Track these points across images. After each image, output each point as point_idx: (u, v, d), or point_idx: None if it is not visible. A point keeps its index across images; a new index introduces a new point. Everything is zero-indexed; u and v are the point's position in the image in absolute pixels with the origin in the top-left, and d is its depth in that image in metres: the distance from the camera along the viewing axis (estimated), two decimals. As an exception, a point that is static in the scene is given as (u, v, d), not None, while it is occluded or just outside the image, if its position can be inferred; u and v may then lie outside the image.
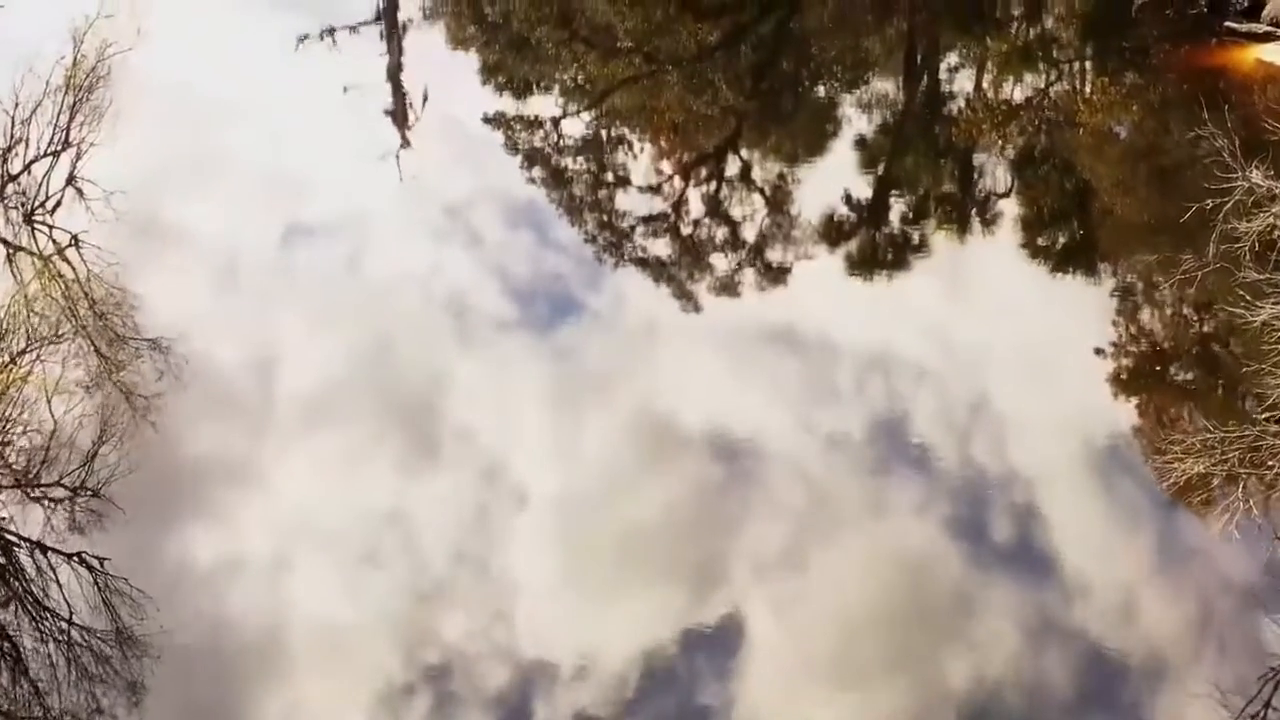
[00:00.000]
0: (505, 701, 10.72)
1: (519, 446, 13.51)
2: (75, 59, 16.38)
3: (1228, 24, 19.75)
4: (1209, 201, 12.62)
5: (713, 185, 19.79)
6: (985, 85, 21.86)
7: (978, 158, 19.78)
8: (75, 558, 11.51)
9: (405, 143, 21.23)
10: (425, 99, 22.52)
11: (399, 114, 22.52)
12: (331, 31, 24.70)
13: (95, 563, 11.46)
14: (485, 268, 17.05)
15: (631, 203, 18.84)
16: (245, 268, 16.36)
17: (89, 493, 11.99)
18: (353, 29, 25.26)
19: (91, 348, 14.12)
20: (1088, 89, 20.28)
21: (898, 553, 12.09)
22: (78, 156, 16.24)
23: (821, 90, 22.18)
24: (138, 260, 15.92)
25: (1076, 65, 22.05)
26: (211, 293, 15.75)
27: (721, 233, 18.47)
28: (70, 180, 16.15)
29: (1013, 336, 14.61)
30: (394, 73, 23.90)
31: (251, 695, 10.81)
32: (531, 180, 19.59)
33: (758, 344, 15.14)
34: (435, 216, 18.17)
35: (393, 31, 25.75)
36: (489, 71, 23.35)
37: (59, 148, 16.00)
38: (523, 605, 11.56)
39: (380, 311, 15.62)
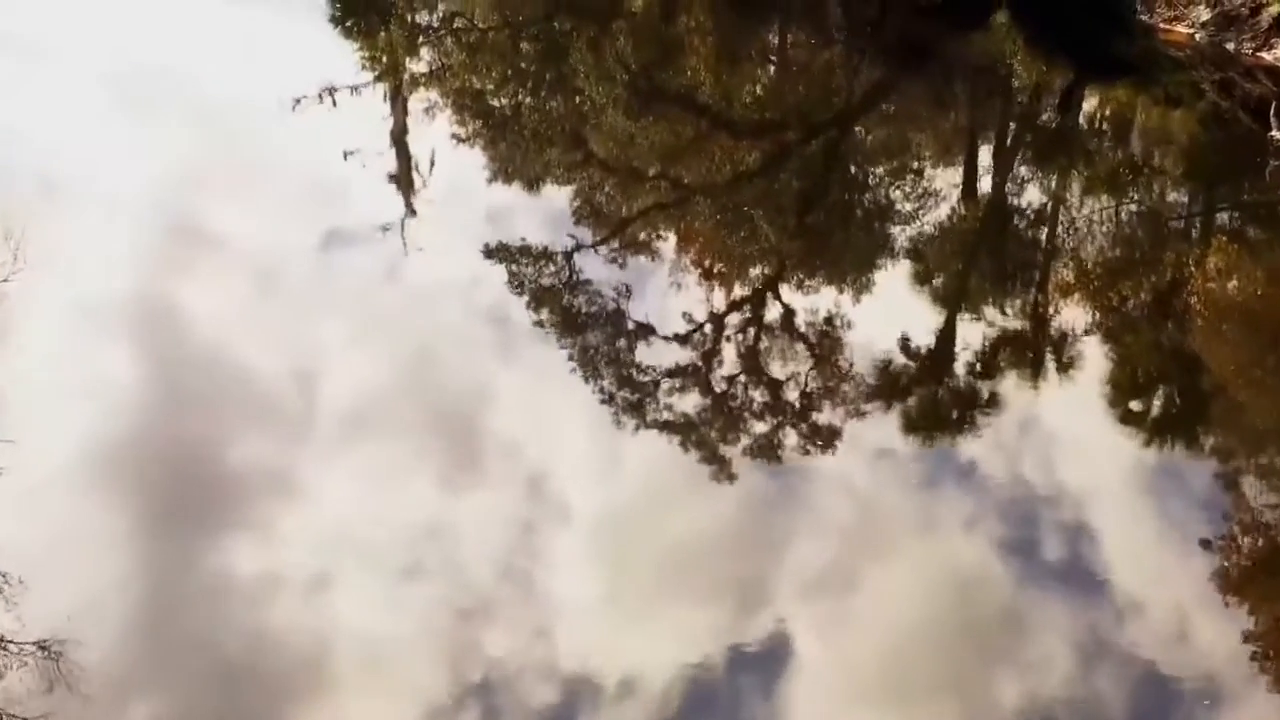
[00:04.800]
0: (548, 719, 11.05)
1: (562, 460, 14.06)
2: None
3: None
4: None
5: (750, 334, 17.54)
6: (1067, 224, 19.64)
7: (1058, 309, 17.50)
8: None
9: (410, 211, 20.04)
10: (433, 163, 21.40)
11: (404, 180, 21.26)
12: (331, 91, 23.59)
13: None
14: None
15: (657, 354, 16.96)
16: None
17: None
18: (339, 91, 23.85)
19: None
20: (1200, 247, 17.75)
21: (947, 571, 12.43)
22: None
23: (876, 226, 19.71)
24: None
25: (1184, 215, 19.79)
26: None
27: (760, 395, 16.26)
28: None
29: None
30: (399, 136, 22.63)
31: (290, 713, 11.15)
32: (541, 322, 17.53)
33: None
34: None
35: (396, 93, 24.48)
36: (496, 169, 21.50)
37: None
38: (566, 621, 11.81)
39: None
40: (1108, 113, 21.97)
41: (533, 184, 21.00)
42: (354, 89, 24.26)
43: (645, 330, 17.65)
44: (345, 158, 21.17)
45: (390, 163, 21.80)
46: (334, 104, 23.63)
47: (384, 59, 25.76)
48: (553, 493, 13.79)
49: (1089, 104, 22.48)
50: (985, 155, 21.20)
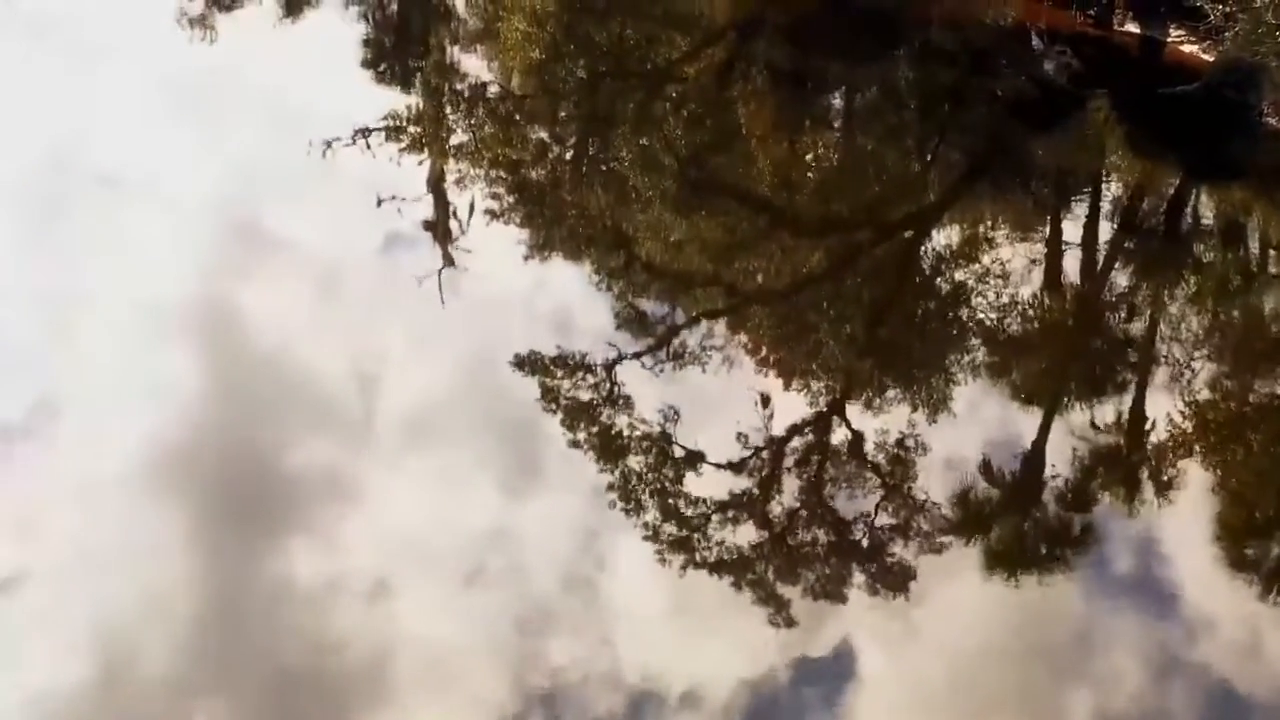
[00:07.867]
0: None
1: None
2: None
3: None
4: None
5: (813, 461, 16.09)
6: (1170, 338, 17.92)
7: (1160, 435, 16.04)
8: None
9: (449, 261, 19.97)
10: (471, 211, 21.14)
11: (440, 229, 21.11)
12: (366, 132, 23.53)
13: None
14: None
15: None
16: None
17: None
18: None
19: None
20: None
21: (1016, 586, 12.80)
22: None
23: (958, 343, 17.88)
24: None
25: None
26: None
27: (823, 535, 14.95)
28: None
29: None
30: (435, 183, 22.54)
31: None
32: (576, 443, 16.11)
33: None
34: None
35: (433, 146, 24.26)
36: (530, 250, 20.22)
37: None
38: (629, 631, 12.06)
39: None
40: (1218, 215, 20.53)
41: (570, 277, 19.68)
42: (390, 135, 24.00)
43: (695, 455, 15.75)
44: (379, 204, 20.97)
45: (426, 210, 21.64)
46: (368, 148, 23.39)
47: (412, 118, 25.10)
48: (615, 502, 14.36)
49: (1198, 206, 21.09)
50: (1078, 259, 19.65)
